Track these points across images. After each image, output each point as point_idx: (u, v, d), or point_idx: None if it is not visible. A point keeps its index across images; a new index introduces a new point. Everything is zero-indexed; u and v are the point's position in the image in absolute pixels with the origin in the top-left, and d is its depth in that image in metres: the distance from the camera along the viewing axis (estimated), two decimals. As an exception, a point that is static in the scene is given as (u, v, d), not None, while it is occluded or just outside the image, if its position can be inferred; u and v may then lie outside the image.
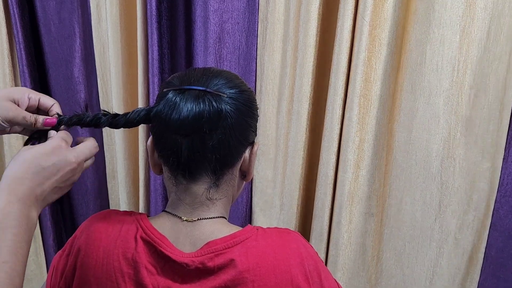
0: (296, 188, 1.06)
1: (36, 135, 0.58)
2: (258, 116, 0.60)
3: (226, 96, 0.53)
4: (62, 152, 0.51)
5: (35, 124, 0.56)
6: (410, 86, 0.95)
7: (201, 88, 0.52)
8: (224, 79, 0.54)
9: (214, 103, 0.51)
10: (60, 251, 0.61)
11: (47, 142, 0.52)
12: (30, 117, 0.55)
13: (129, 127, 0.57)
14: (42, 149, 0.50)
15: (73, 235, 0.61)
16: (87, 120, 0.57)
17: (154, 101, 0.57)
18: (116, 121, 0.56)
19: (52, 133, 0.56)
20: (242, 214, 1.13)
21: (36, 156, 0.49)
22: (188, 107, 0.51)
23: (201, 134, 0.52)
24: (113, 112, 0.58)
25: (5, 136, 1.26)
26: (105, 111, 0.58)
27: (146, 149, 1.13)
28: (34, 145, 0.51)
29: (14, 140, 1.25)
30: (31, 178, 0.48)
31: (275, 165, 1.09)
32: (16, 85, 1.23)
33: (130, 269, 0.54)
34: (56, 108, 0.60)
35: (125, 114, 0.56)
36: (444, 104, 0.93)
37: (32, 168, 0.48)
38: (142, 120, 0.55)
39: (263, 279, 0.52)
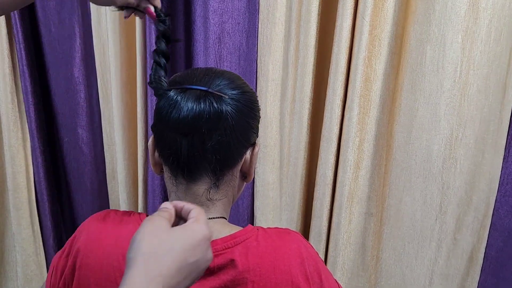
0: (297, 190, 1.06)
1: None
2: (260, 117, 0.60)
3: (227, 97, 0.53)
4: (205, 247, 0.43)
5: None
6: (410, 86, 0.95)
7: (203, 88, 0.52)
8: (226, 80, 0.55)
9: (215, 104, 0.52)
10: (59, 251, 0.61)
11: (197, 229, 0.42)
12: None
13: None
14: (192, 237, 0.41)
15: (73, 235, 0.61)
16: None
17: (153, 101, 0.57)
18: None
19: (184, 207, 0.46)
20: (244, 217, 1.13)
21: (185, 249, 0.40)
22: (188, 107, 0.51)
23: (200, 134, 0.52)
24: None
25: (5, 136, 1.26)
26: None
27: (146, 149, 1.13)
28: (179, 227, 0.42)
29: (14, 140, 1.25)
30: (173, 275, 0.39)
31: (277, 167, 1.09)
32: (16, 85, 1.23)
33: None
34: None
35: None
36: (445, 105, 0.92)
37: (177, 263, 0.39)
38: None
39: (263, 279, 0.52)
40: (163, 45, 0.60)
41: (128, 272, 0.38)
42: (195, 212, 0.45)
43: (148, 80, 0.58)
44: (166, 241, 0.40)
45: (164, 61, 0.59)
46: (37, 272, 1.36)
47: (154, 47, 0.60)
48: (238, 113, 0.53)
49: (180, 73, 0.57)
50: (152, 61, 0.59)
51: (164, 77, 0.56)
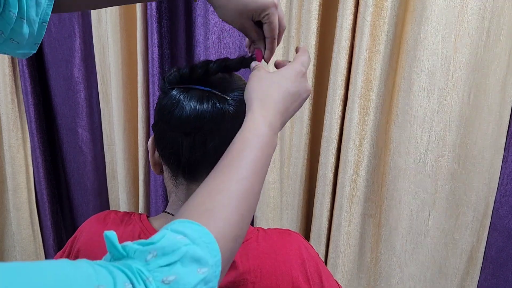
0: (298, 190, 1.06)
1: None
2: None
3: (229, 98, 0.53)
4: (303, 79, 0.52)
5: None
6: (408, 86, 0.95)
7: (206, 88, 0.52)
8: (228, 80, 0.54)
9: (218, 104, 0.52)
10: (60, 252, 0.61)
11: (290, 67, 0.51)
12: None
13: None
14: (288, 74, 0.50)
15: (73, 236, 0.61)
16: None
17: (154, 101, 0.57)
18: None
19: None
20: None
21: (284, 81, 0.50)
22: (191, 106, 0.51)
23: (202, 134, 0.52)
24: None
25: (5, 136, 1.26)
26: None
27: (146, 149, 1.13)
28: (276, 70, 0.52)
29: (14, 140, 1.25)
30: (281, 103, 0.48)
31: (278, 166, 1.09)
32: (16, 85, 1.23)
33: None
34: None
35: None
36: (438, 103, 0.93)
37: (281, 93, 0.49)
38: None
39: (264, 281, 0.52)
40: (234, 64, 0.56)
41: (248, 114, 0.47)
42: (296, 56, 0.53)
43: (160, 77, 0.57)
44: (269, 80, 0.50)
45: (214, 70, 0.55)
46: (37, 272, 1.36)
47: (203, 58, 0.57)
48: (240, 113, 0.53)
49: (183, 69, 0.55)
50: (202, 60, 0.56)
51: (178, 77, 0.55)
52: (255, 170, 0.43)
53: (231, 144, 0.45)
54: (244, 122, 0.47)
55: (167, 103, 0.53)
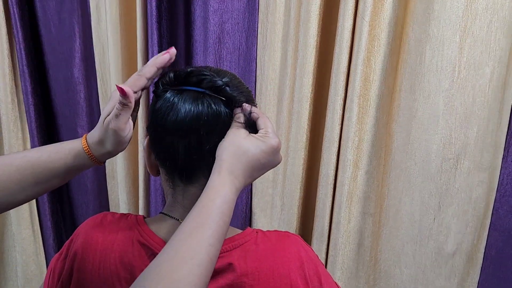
0: (296, 189, 1.06)
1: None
2: None
3: (224, 98, 0.52)
4: (278, 153, 0.54)
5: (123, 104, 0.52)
6: (409, 86, 0.95)
7: (199, 89, 0.52)
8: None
9: (212, 105, 0.51)
10: (57, 254, 0.61)
11: (270, 140, 0.52)
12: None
13: None
14: (267, 148, 0.51)
15: (70, 238, 0.60)
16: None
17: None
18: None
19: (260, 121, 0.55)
20: (243, 215, 1.13)
21: (260, 154, 0.51)
22: (186, 108, 0.50)
23: (198, 136, 0.51)
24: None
25: (5, 136, 1.26)
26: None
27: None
28: (255, 137, 0.52)
29: (14, 140, 1.25)
30: (250, 173, 0.50)
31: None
32: (16, 85, 1.24)
33: (127, 274, 0.53)
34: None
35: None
36: (444, 104, 0.92)
37: (253, 163, 0.50)
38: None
39: (262, 284, 0.52)
40: (229, 94, 0.53)
41: (218, 176, 0.48)
42: (263, 124, 0.54)
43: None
44: (246, 147, 0.50)
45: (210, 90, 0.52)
46: (37, 272, 1.36)
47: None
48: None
49: (178, 71, 0.55)
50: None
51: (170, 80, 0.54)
52: (220, 237, 0.45)
53: (199, 202, 0.46)
54: (211, 181, 0.48)
55: (162, 106, 0.52)
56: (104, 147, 0.54)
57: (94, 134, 0.55)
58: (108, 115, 0.52)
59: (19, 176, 0.52)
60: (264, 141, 0.51)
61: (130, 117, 0.54)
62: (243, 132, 0.52)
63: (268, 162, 0.52)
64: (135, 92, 0.52)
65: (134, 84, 0.52)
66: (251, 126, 0.54)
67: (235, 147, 0.50)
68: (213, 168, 0.49)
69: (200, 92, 0.51)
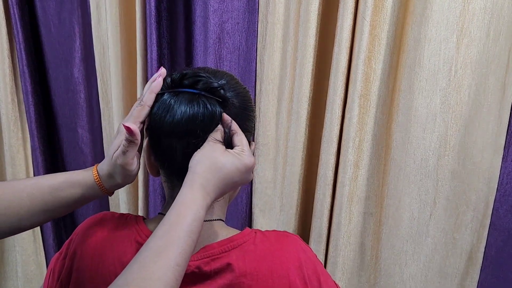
0: (295, 189, 1.06)
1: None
2: (255, 116, 0.60)
3: (220, 99, 0.52)
4: (251, 172, 0.54)
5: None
6: (408, 86, 0.95)
7: (194, 91, 0.52)
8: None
9: (208, 106, 0.51)
10: (57, 254, 0.61)
11: (245, 159, 0.52)
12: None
13: None
14: (242, 167, 0.51)
15: (69, 238, 0.61)
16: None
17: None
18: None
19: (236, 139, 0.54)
20: (242, 215, 1.13)
21: (234, 172, 0.51)
22: (182, 110, 0.51)
23: (195, 137, 0.51)
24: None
25: (5, 136, 1.26)
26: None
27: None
28: (233, 154, 0.51)
29: (14, 140, 1.25)
30: (221, 189, 0.50)
31: (275, 165, 1.09)
32: (16, 85, 1.24)
33: None
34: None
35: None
36: (441, 103, 0.93)
37: (226, 180, 0.50)
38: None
39: (261, 284, 0.52)
40: (224, 95, 0.53)
41: (190, 190, 0.47)
42: (239, 141, 0.53)
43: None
44: (221, 164, 0.50)
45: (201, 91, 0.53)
46: (37, 272, 1.37)
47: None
48: (231, 114, 0.53)
49: (174, 74, 0.56)
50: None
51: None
52: (187, 257, 0.45)
53: (169, 216, 0.46)
54: (183, 195, 0.47)
55: (158, 108, 0.53)
56: (114, 180, 0.55)
57: (103, 168, 0.55)
58: (117, 150, 0.53)
59: (29, 203, 0.53)
60: (240, 159, 0.51)
61: (137, 152, 0.55)
62: (220, 147, 0.51)
63: (240, 180, 0.52)
64: (141, 123, 0.54)
65: (139, 115, 0.53)
66: (227, 141, 0.54)
67: (211, 162, 0.49)
68: (185, 180, 0.49)
69: (195, 94, 0.52)
